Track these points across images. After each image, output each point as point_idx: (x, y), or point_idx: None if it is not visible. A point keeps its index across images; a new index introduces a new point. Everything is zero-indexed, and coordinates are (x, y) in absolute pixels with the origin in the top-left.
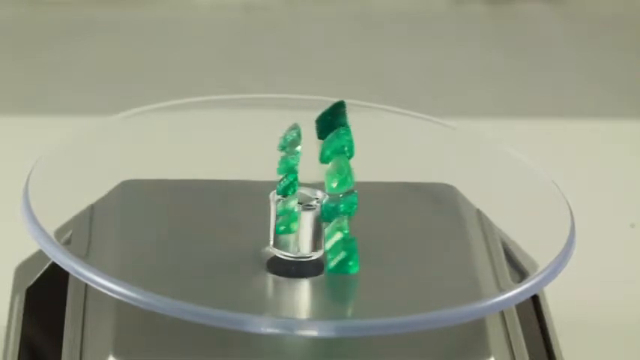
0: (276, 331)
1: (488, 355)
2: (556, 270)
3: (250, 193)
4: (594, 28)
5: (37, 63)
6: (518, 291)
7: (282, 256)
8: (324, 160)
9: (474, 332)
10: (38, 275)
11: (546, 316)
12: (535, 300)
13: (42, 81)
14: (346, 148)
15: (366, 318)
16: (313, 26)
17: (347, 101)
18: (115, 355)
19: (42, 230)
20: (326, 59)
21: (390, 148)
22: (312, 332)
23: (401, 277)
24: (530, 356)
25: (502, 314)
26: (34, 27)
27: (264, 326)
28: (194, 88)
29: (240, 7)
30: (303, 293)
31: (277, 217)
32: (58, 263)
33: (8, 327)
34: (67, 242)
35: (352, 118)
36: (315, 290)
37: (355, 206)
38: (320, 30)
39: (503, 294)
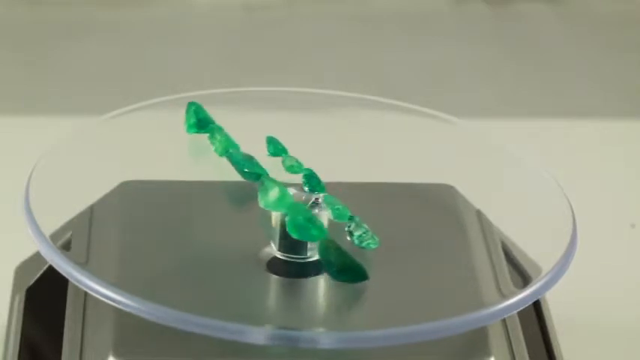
0: (276, 342)
1: (489, 356)
2: (558, 275)
3: (251, 194)
4: (594, 28)
5: (37, 63)
6: (519, 298)
7: (283, 257)
8: None
9: (475, 332)
10: (38, 275)
11: (546, 316)
12: (535, 300)
13: (42, 81)
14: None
15: (367, 327)
16: (313, 26)
17: (346, 95)
18: (115, 355)
19: (44, 237)
20: (326, 59)
21: (390, 148)
22: (314, 344)
23: (401, 280)
24: (530, 357)
25: None
26: (34, 27)
27: (265, 338)
28: (194, 88)
29: (240, 7)
30: (303, 296)
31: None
32: (59, 270)
33: (8, 327)
34: (67, 244)
35: (352, 117)
36: (315, 293)
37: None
38: (320, 30)
39: (505, 301)
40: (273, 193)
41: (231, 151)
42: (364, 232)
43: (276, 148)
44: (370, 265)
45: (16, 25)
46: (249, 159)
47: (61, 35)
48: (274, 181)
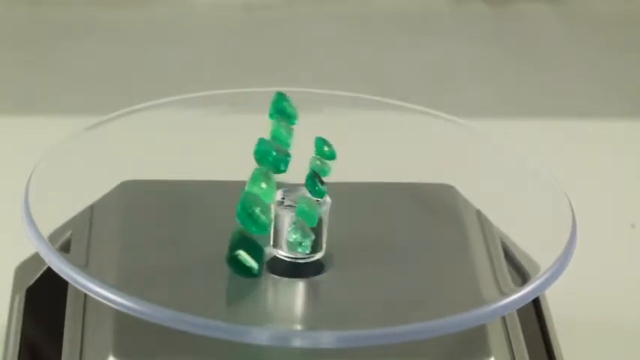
0: (277, 342)
1: (489, 355)
2: (557, 272)
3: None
4: (594, 28)
5: (37, 63)
6: (518, 296)
7: (282, 257)
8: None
9: (474, 332)
10: (38, 275)
11: (546, 316)
12: (535, 300)
13: (42, 81)
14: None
15: (367, 327)
16: (313, 26)
17: (346, 95)
18: (115, 355)
19: (43, 240)
20: (326, 59)
21: (390, 148)
22: (314, 344)
23: (400, 279)
24: (530, 356)
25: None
26: (34, 27)
27: (265, 338)
28: (194, 88)
29: (240, 7)
30: (303, 296)
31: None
32: (58, 273)
33: (8, 327)
34: (67, 243)
35: (352, 117)
36: (315, 292)
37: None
38: (320, 30)
39: (504, 299)
40: (252, 184)
41: (260, 138)
42: (292, 239)
43: (320, 150)
44: (370, 265)
45: (16, 25)
46: (270, 152)
47: (61, 35)
48: (262, 174)
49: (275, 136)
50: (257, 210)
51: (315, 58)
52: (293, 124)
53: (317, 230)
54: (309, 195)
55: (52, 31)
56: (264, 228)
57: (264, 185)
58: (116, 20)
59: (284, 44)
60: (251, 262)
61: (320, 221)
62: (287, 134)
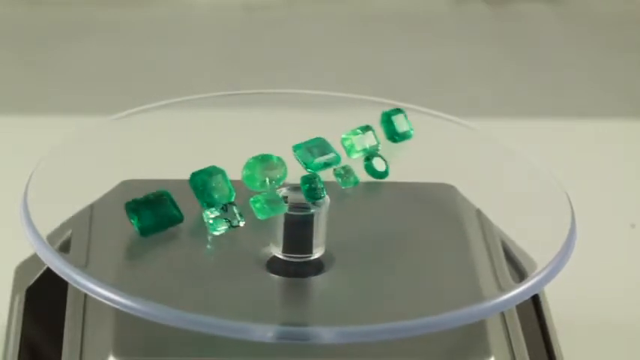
0: (278, 339)
1: (489, 355)
2: (556, 269)
3: (250, 193)
4: (594, 28)
5: (37, 63)
6: (517, 292)
7: (283, 257)
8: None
9: (474, 332)
10: (38, 275)
11: (546, 316)
12: (535, 299)
13: (42, 81)
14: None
15: (368, 323)
16: (313, 26)
17: (346, 95)
18: (115, 355)
19: (41, 240)
20: (326, 59)
21: (390, 148)
22: (315, 339)
23: (401, 278)
24: (530, 356)
25: (502, 314)
26: (34, 27)
27: (266, 335)
28: (194, 87)
29: (240, 7)
30: (303, 294)
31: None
32: (57, 273)
33: (8, 327)
34: (67, 243)
35: (352, 117)
36: (315, 291)
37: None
38: (320, 29)
39: (503, 295)
40: (245, 166)
41: (318, 137)
42: (205, 213)
43: (370, 167)
44: (371, 264)
45: (16, 25)
46: (306, 154)
47: (61, 35)
48: (259, 160)
49: (343, 143)
50: (209, 189)
51: (315, 58)
52: (396, 141)
53: (311, 230)
54: (301, 196)
55: (52, 31)
56: (212, 200)
57: (252, 171)
58: (116, 20)
59: (284, 44)
60: (138, 220)
61: (317, 221)
62: (358, 144)
